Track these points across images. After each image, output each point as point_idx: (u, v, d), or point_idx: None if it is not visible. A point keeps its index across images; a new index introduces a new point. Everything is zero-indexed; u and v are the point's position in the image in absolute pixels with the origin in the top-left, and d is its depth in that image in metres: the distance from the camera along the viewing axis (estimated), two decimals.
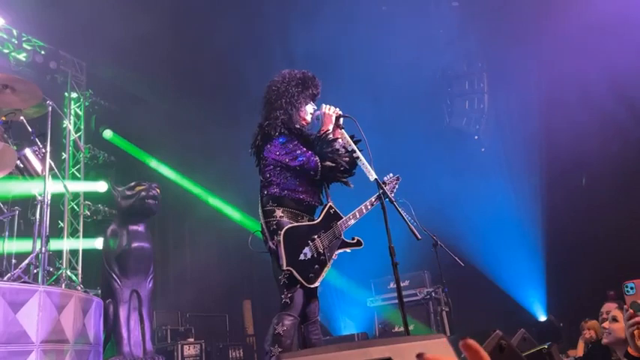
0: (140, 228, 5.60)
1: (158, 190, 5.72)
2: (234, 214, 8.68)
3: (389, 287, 6.76)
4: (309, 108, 3.33)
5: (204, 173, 8.64)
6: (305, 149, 3.12)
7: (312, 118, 3.31)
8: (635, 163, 6.70)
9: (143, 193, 5.55)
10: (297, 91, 3.24)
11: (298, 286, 2.90)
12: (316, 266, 2.96)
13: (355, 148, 3.16)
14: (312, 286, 2.93)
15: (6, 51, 6.96)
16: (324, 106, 3.24)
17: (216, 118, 8.78)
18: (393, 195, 3.19)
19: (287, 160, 3.09)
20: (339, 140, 3.17)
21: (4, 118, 4.35)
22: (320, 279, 2.97)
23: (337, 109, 3.24)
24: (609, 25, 6.28)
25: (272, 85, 3.29)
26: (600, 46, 6.39)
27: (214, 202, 8.78)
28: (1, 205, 4.32)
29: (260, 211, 3.13)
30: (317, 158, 3.08)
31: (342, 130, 3.22)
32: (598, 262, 6.51)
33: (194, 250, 8.68)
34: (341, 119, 3.24)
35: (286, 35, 7.64)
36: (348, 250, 3.14)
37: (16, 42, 7.00)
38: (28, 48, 7.18)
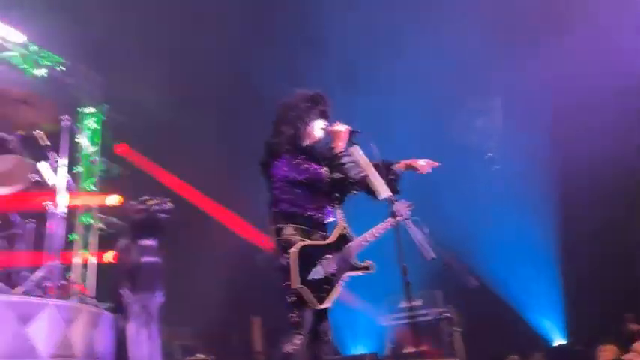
0: (151, 242, 5.59)
1: (170, 205, 5.73)
2: (246, 230, 8.67)
3: (401, 306, 6.65)
4: (320, 124, 3.32)
5: (216, 188, 8.66)
6: (312, 163, 3.11)
7: (323, 134, 3.30)
8: None
9: (155, 208, 5.56)
10: (305, 106, 3.25)
11: (307, 305, 2.85)
12: (326, 286, 2.92)
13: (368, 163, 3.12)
14: (321, 306, 2.88)
15: (26, 66, 7.09)
16: (338, 123, 3.22)
17: (232, 137, 8.83)
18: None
19: (294, 175, 3.08)
20: (349, 156, 3.14)
21: (21, 133, 4.43)
22: (330, 300, 2.92)
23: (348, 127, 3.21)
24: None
25: (282, 103, 3.31)
26: (626, 65, 6.28)
27: (226, 218, 8.79)
28: (17, 218, 4.36)
29: (270, 228, 3.11)
30: (324, 169, 3.07)
31: (357, 145, 3.20)
32: (616, 285, 6.35)
33: (205, 266, 8.65)
34: (354, 135, 3.21)
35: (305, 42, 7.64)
36: (360, 273, 3.09)
37: (35, 58, 7.14)
38: (47, 64, 7.31)
